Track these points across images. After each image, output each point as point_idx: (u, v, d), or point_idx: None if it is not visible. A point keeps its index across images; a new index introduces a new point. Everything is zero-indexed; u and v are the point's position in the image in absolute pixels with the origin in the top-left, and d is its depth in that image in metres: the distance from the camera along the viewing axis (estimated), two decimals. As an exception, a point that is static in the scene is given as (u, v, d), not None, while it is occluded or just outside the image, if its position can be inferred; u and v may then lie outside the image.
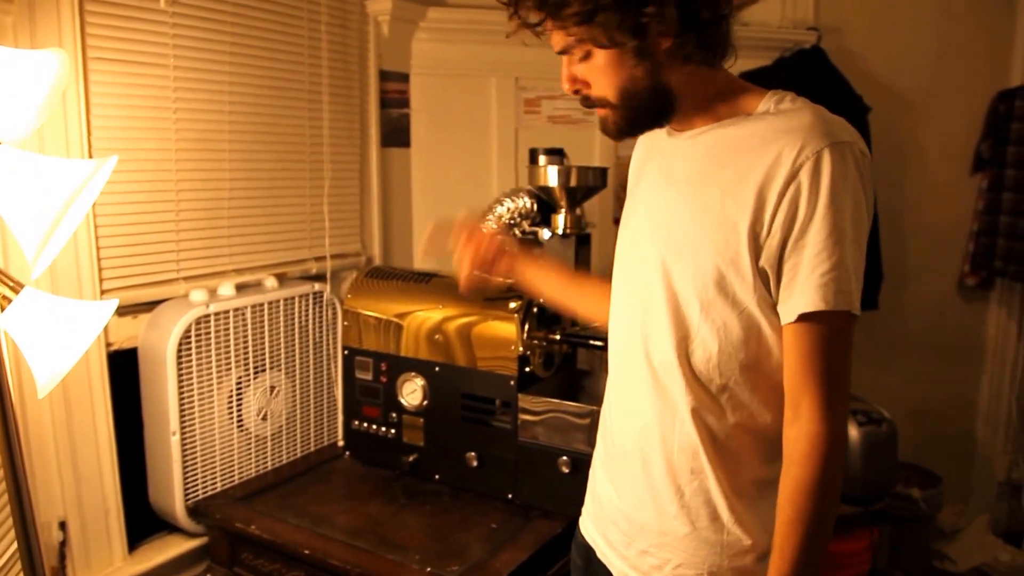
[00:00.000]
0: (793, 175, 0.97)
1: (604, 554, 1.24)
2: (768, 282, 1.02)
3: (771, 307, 1.04)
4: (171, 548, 1.91)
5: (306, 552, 1.64)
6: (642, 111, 1.08)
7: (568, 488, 1.68)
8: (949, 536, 3.10)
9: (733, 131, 1.06)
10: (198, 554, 1.94)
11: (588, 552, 1.28)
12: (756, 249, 1.01)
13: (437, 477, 1.90)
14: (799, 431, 1.02)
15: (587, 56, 1.05)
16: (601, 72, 1.06)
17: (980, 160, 2.99)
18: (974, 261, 2.98)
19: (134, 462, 1.87)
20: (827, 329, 1.00)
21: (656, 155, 1.18)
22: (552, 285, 1.46)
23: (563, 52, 1.08)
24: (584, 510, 1.34)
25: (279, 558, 1.72)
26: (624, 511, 1.19)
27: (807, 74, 2.57)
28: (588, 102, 1.10)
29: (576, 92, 1.10)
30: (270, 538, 1.71)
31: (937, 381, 2.88)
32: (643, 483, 1.15)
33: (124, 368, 1.82)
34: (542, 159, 1.97)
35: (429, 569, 1.53)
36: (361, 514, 1.80)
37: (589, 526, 1.30)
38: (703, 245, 1.05)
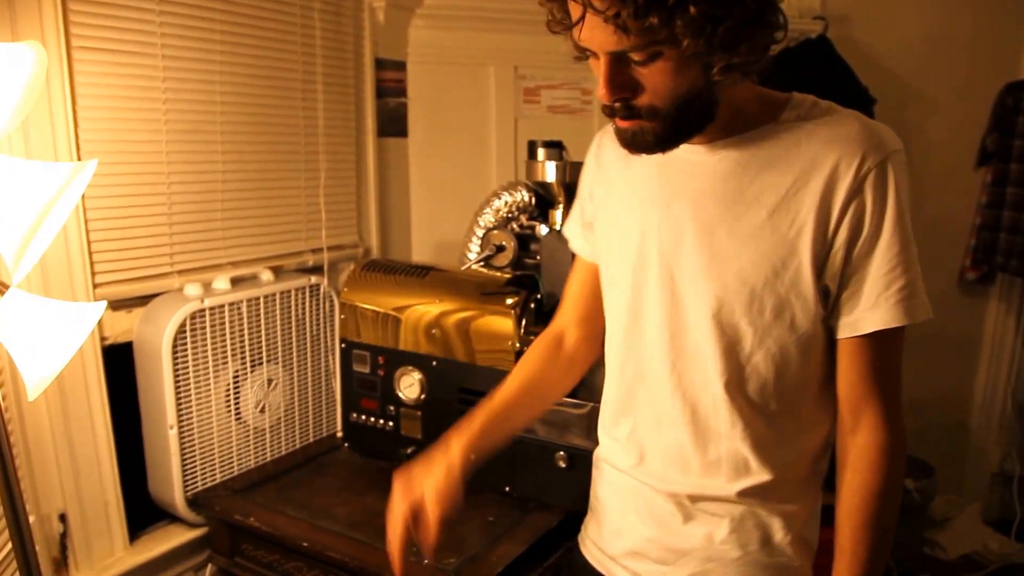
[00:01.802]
0: (857, 187, 0.95)
1: None
2: (827, 299, 1.00)
3: (825, 322, 1.02)
4: (171, 538, 1.93)
5: (304, 544, 1.65)
6: (688, 122, 0.97)
7: (565, 482, 1.69)
8: (941, 525, 3.13)
9: (765, 143, 1.00)
10: (198, 544, 1.96)
11: None
12: (819, 267, 0.98)
13: (435, 470, 1.91)
14: (865, 440, 1.03)
15: (653, 58, 0.89)
16: (667, 76, 0.91)
17: (985, 153, 2.97)
18: (975, 255, 2.98)
19: (133, 453, 1.88)
20: (893, 341, 1.01)
21: (651, 168, 1.09)
22: (497, 432, 1.26)
23: (620, 53, 0.90)
24: (589, 538, 1.29)
25: (278, 549, 1.74)
26: (659, 540, 1.14)
27: (814, 64, 2.56)
28: (630, 112, 0.95)
29: (618, 101, 0.95)
30: (269, 530, 1.72)
31: (934, 373, 2.89)
32: (684, 513, 1.12)
33: (120, 362, 1.83)
34: (541, 153, 1.96)
35: (426, 561, 1.54)
36: (359, 506, 1.81)
37: (603, 558, 1.24)
38: (754, 270, 1.00)
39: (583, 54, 0.95)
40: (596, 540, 1.27)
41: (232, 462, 1.98)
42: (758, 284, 1.00)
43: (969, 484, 3.24)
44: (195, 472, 1.89)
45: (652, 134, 0.96)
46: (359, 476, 1.97)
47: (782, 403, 1.06)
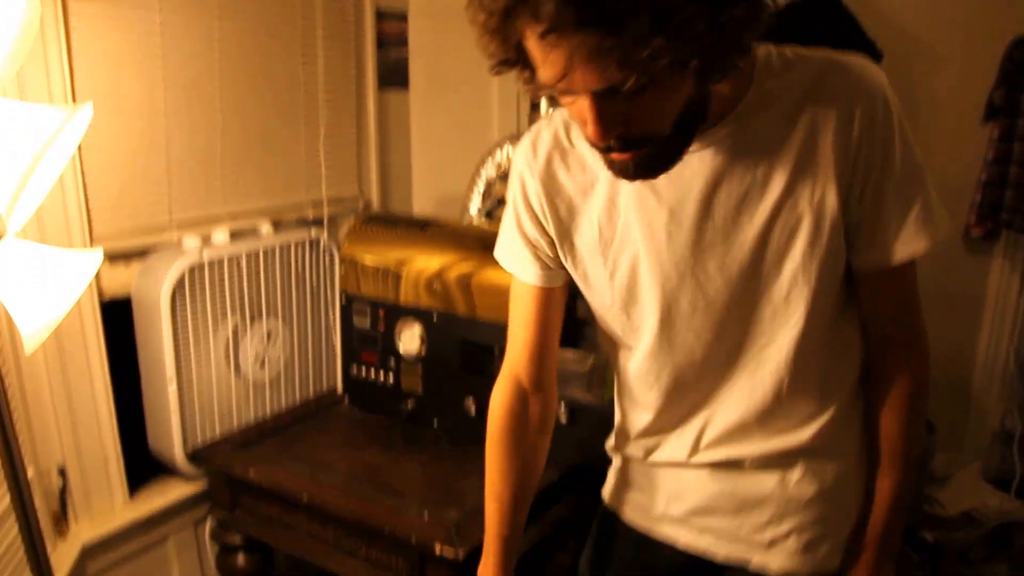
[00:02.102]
0: (863, 129, 0.92)
1: (691, 547, 1.20)
2: (850, 237, 0.98)
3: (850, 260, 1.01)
4: (171, 492, 1.93)
5: (304, 498, 1.65)
6: (689, 132, 0.88)
7: (565, 436, 1.68)
8: (941, 482, 3.13)
9: (757, 118, 0.94)
10: (198, 499, 1.96)
11: (649, 545, 1.25)
12: (848, 218, 0.96)
13: (436, 424, 1.90)
14: (906, 371, 1.06)
15: (648, 84, 0.78)
16: (663, 99, 0.82)
17: (992, 108, 2.91)
18: (980, 212, 2.94)
19: (133, 408, 1.87)
20: (915, 266, 1.01)
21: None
22: (516, 541, 1.24)
23: (610, 89, 0.78)
24: (633, 505, 1.27)
25: (278, 503, 1.73)
26: (732, 492, 1.14)
27: (820, 19, 2.50)
28: (627, 144, 0.85)
29: (614, 139, 0.85)
30: (269, 484, 1.72)
31: (936, 331, 2.85)
32: (754, 467, 1.12)
33: (119, 316, 1.81)
34: (543, 105, 1.93)
35: (427, 515, 1.54)
36: (359, 460, 1.81)
37: (659, 523, 1.23)
38: (793, 250, 0.97)
39: (553, 97, 0.83)
40: (647, 506, 1.24)
41: (232, 417, 1.97)
42: (799, 260, 0.97)
43: (970, 442, 3.23)
44: (194, 427, 1.88)
45: (655, 159, 0.88)
46: (359, 430, 1.96)
47: (830, 348, 1.06)
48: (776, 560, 1.13)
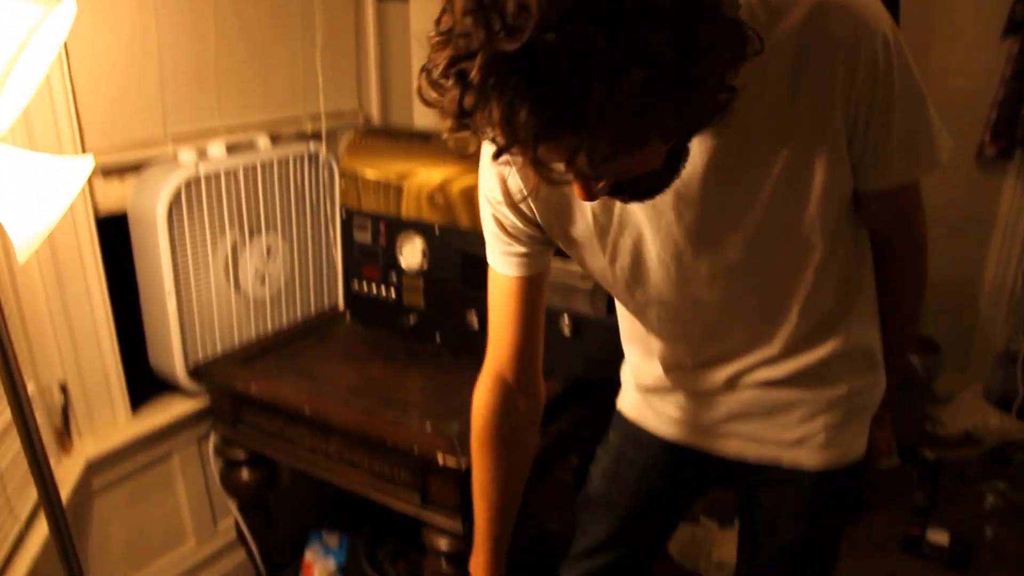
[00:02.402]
0: (864, 68, 0.87)
1: (720, 452, 1.21)
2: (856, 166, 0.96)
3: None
4: (174, 408, 1.93)
5: (307, 410, 1.64)
6: (685, 155, 0.84)
7: (568, 349, 1.67)
8: (943, 401, 3.14)
9: (747, 87, 0.85)
10: (201, 415, 1.96)
11: (674, 452, 1.26)
12: (853, 151, 0.93)
13: (438, 338, 1.89)
14: (906, 275, 1.12)
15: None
16: (652, 153, 0.77)
17: (1013, 23, 2.83)
18: (995, 130, 2.88)
19: (133, 326, 1.86)
20: (916, 185, 1.03)
21: None
22: (506, 539, 1.25)
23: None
24: (659, 412, 1.27)
25: (280, 416, 1.73)
26: (763, 401, 1.15)
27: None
28: (619, 189, 0.81)
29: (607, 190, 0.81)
30: (270, 398, 1.71)
31: (945, 251, 2.84)
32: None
33: (116, 232, 1.78)
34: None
35: (429, 426, 1.53)
36: (362, 374, 1.80)
37: (688, 431, 1.24)
38: (809, 199, 0.94)
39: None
40: (674, 416, 1.25)
41: (232, 333, 1.96)
42: (827, 212, 0.96)
43: (974, 362, 3.24)
44: (195, 343, 1.87)
45: (651, 188, 0.83)
46: (361, 345, 1.95)
47: (848, 265, 1.06)
48: (808, 456, 1.16)
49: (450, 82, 0.66)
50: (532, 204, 1.03)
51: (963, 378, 3.21)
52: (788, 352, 1.09)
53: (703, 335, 1.12)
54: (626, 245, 1.01)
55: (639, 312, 1.16)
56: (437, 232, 1.81)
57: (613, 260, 1.04)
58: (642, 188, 0.82)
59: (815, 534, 1.22)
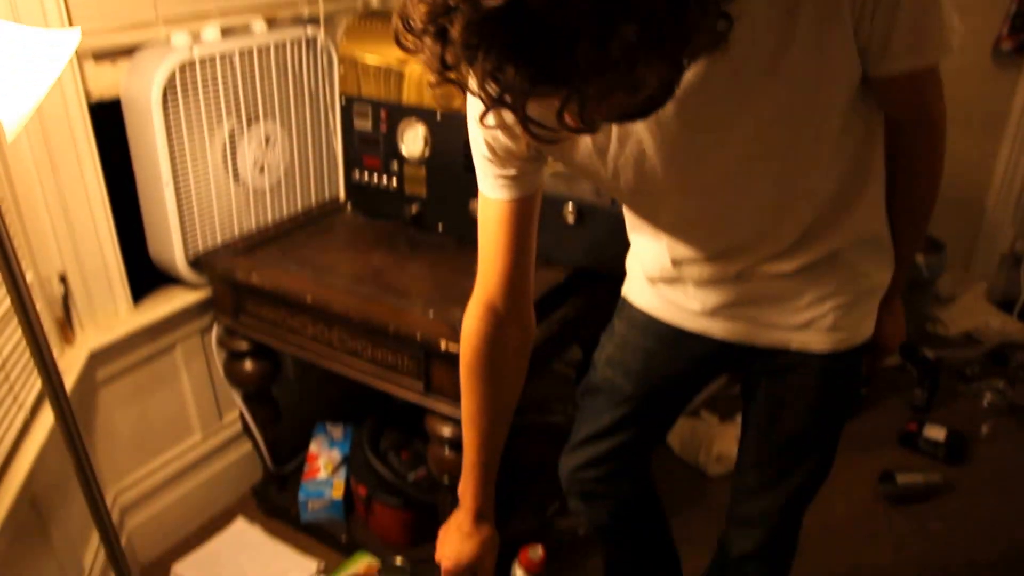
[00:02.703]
0: None
1: (729, 337, 1.21)
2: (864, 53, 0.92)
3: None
4: (176, 300, 1.92)
5: (308, 299, 1.63)
6: (681, 71, 0.79)
7: (572, 238, 1.65)
8: (945, 302, 3.14)
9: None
10: (203, 306, 1.96)
11: (681, 338, 1.26)
12: (861, 40, 0.89)
13: (440, 228, 1.87)
14: (927, 157, 1.08)
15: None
16: (646, 90, 0.72)
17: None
18: (1014, 23, 2.79)
19: (132, 219, 1.83)
20: (934, 70, 0.99)
21: None
22: (493, 470, 1.24)
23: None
24: (664, 305, 1.26)
25: (282, 305, 1.72)
26: (773, 288, 1.14)
27: None
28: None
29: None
30: (272, 287, 1.70)
31: (955, 148, 2.78)
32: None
33: (110, 120, 1.73)
34: None
35: (432, 313, 1.52)
36: (364, 263, 1.78)
37: (690, 320, 1.23)
38: (819, 93, 0.91)
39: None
40: (682, 304, 1.23)
41: (232, 224, 1.93)
42: (822, 98, 0.92)
43: (978, 263, 3.22)
44: (195, 234, 1.85)
45: (645, 108, 0.73)
46: (363, 236, 1.93)
47: (858, 153, 1.03)
48: (816, 339, 1.15)
49: (429, 38, 0.62)
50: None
51: (967, 278, 3.20)
52: (797, 245, 1.08)
53: (711, 232, 1.11)
54: (628, 160, 0.99)
55: (646, 216, 1.15)
56: (439, 119, 1.76)
57: (616, 176, 1.01)
58: (634, 112, 0.76)
59: (820, 418, 1.23)
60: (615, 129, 0.95)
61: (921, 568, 2.00)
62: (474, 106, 1.02)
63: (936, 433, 2.42)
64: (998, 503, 2.24)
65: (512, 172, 1.04)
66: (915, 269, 2.67)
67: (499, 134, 1.01)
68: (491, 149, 1.03)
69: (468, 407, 1.18)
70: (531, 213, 1.09)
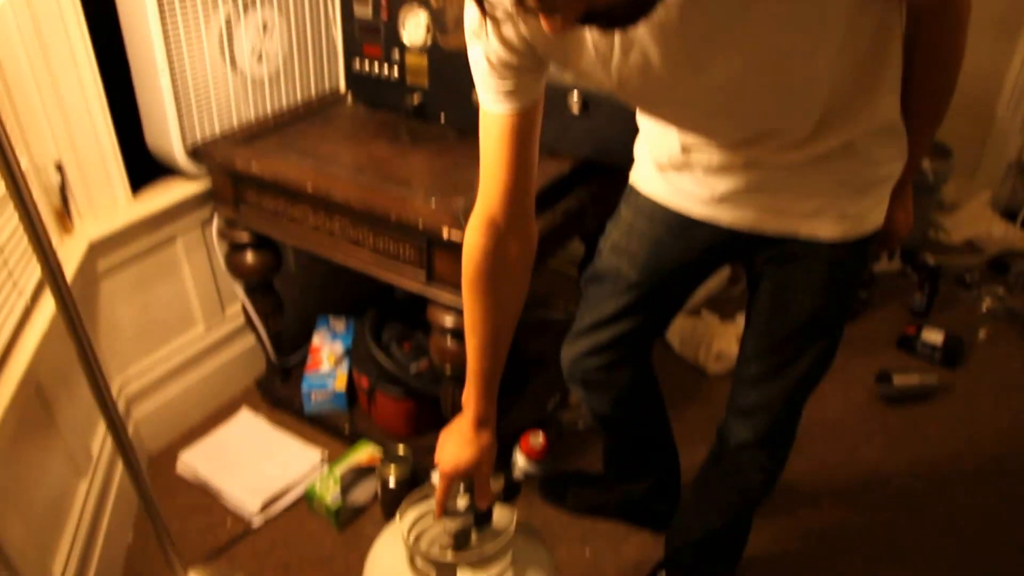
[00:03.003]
0: None
1: (736, 224, 1.20)
2: None
3: None
4: (175, 191, 1.90)
5: (309, 187, 1.61)
6: None
7: (578, 128, 1.62)
8: (949, 208, 3.13)
9: None
10: (203, 197, 1.94)
11: (689, 225, 1.25)
12: None
13: (443, 118, 1.83)
14: (948, 41, 1.06)
15: None
16: None
17: None
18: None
19: (129, 109, 1.80)
20: None
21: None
22: (495, 380, 1.24)
23: None
24: (673, 192, 1.25)
25: (282, 195, 1.71)
26: (783, 175, 1.13)
27: None
28: (599, 15, 0.75)
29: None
30: (272, 176, 1.68)
31: (966, 53, 2.74)
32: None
33: (104, 7, 1.68)
34: None
35: (434, 202, 1.51)
36: (365, 154, 1.76)
37: (698, 206, 1.23)
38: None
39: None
40: (691, 190, 1.22)
41: (231, 114, 1.90)
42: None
43: (984, 171, 3.19)
44: (192, 123, 1.81)
45: (629, 12, 0.75)
46: (364, 126, 1.90)
47: (872, 44, 1.00)
48: (826, 227, 1.14)
49: None
50: (529, 39, 0.99)
51: (971, 185, 3.17)
52: (810, 137, 1.06)
53: (722, 127, 1.09)
54: (632, 70, 0.96)
55: (655, 115, 1.13)
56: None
57: (621, 84, 0.99)
58: (618, 15, 0.75)
59: (825, 307, 1.22)
60: (617, 38, 0.93)
61: (913, 468, 2.04)
62: (471, 19, 1.01)
63: (934, 337, 2.44)
64: (992, 406, 2.27)
65: (510, 86, 1.03)
66: (921, 174, 2.64)
67: (497, 46, 0.99)
68: (489, 63, 1.02)
69: (471, 318, 1.18)
70: (531, 127, 1.08)
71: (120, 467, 1.81)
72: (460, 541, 1.23)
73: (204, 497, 1.92)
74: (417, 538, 1.25)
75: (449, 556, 1.21)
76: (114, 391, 1.87)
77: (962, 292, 2.79)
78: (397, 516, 1.26)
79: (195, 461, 1.98)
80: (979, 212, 3.10)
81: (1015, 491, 1.98)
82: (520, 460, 1.90)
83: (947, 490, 1.98)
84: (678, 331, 2.40)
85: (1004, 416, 2.23)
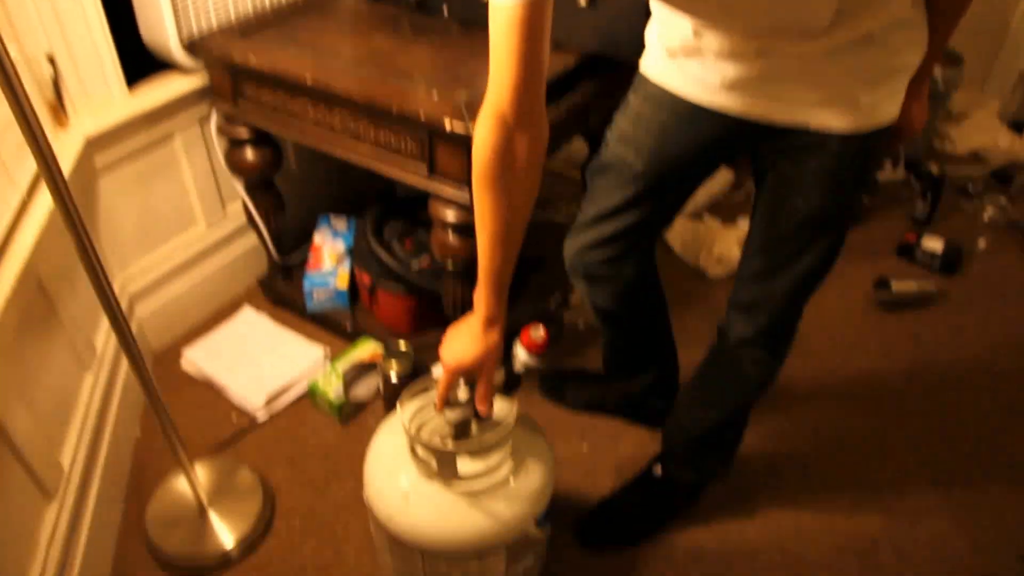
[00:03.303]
0: None
1: (747, 113, 1.18)
2: None
3: None
4: (172, 86, 1.87)
5: (308, 80, 1.58)
6: None
7: (584, 20, 1.58)
8: (956, 119, 3.09)
9: None
10: (201, 93, 1.91)
11: (699, 114, 1.23)
12: None
13: (445, 11, 1.79)
14: None
15: None
16: None
17: None
18: None
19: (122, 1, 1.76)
20: None
21: None
22: (508, 276, 1.22)
23: None
24: (683, 79, 1.23)
25: (281, 88, 1.68)
26: (798, 65, 1.10)
27: None
28: None
29: None
30: (271, 69, 1.64)
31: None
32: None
33: None
34: None
35: (436, 94, 1.48)
36: (366, 46, 1.72)
37: (709, 94, 1.20)
38: None
39: None
40: (702, 77, 1.20)
41: (227, 7, 1.85)
42: None
43: (994, 82, 3.14)
44: (187, 15, 1.77)
45: None
46: (365, 19, 1.85)
47: None
48: (838, 118, 1.12)
49: None
50: None
51: (980, 96, 3.13)
52: (828, 28, 1.03)
53: (740, 13, 1.06)
54: None
55: (670, 4, 1.09)
56: None
57: None
58: None
59: (834, 202, 1.21)
60: None
61: (907, 372, 2.07)
62: None
63: (934, 244, 2.44)
64: (988, 314, 2.29)
65: None
66: (931, 82, 2.60)
67: None
68: None
69: (481, 216, 1.17)
70: (542, 19, 1.03)
71: (125, 362, 1.83)
72: (460, 431, 1.25)
73: (208, 393, 1.94)
74: (419, 428, 1.27)
75: (449, 445, 1.23)
76: (116, 289, 1.87)
77: (964, 202, 2.78)
78: (398, 406, 1.27)
79: (199, 358, 2.00)
80: (986, 122, 3.06)
81: (1006, 398, 2.01)
82: (521, 353, 1.92)
83: (939, 395, 2.01)
84: (679, 234, 2.40)
85: (999, 325, 2.25)
